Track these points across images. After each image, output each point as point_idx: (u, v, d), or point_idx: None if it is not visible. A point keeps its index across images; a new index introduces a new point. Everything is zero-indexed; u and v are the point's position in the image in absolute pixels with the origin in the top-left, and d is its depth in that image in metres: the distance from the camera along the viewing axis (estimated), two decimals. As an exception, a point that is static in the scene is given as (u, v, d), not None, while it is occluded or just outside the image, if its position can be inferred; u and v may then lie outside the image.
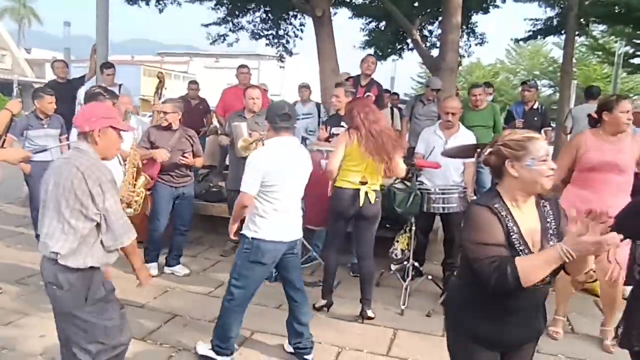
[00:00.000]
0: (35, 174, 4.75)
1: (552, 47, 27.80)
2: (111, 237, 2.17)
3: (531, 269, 1.59)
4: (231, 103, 5.75)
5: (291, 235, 2.99)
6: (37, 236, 4.94)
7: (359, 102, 3.71)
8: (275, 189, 2.86)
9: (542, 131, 5.79)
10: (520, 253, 1.68)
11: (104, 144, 2.22)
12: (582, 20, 10.28)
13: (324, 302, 3.84)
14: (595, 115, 3.39)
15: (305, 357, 3.11)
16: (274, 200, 2.87)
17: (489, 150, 1.78)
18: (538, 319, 1.84)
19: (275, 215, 2.89)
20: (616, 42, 16.26)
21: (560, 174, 3.35)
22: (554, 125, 8.19)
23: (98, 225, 2.16)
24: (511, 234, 1.70)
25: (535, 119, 5.80)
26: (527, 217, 1.75)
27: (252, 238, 2.89)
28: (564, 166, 3.40)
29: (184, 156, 4.30)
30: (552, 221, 1.78)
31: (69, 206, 2.10)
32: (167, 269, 4.53)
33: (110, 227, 2.16)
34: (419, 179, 4.13)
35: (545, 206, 1.80)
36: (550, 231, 1.76)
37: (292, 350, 3.16)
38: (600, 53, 20.33)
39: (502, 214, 1.71)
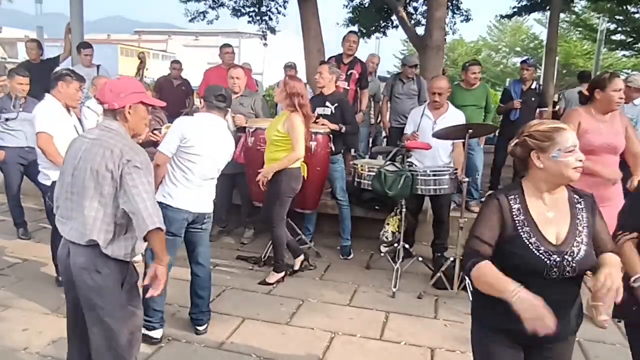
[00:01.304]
0: (9, 160, 4.57)
1: (533, 23, 27.89)
2: (136, 223, 1.96)
3: (483, 280, 1.64)
4: (214, 84, 5.56)
5: (199, 207, 3.03)
6: (16, 224, 4.85)
7: (297, 85, 3.76)
8: (191, 158, 2.95)
9: (538, 111, 5.72)
10: (531, 246, 1.66)
11: (135, 120, 2.09)
12: (566, -4, 10.21)
13: (300, 258, 4.05)
14: (586, 93, 3.35)
15: (197, 327, 3.17)
16: (187, 170, 2.97)
17: (515, 141, 1.75)
18: (568, 314, 1.74)
19: (186, 184, 2.98)
20: (598, 18, 16.32)
21: None
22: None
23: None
24: (519, 227, 1.68)
25: (533, 99, 5.67)
26: (552, 211, 1.71)
27: (159, 202, 2.94)
28: None
29: (154, 133, 4.12)
30: (584, 219, 1.73)
31: (103, 191, 1.97)
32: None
33: (135, 214, 1.94)
34: (408, 160, 4.07)
35: (579, 202, 1.76)
36: (580, 228, 1.71)
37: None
38: (581, 29, 20.42)
39: (513, 206, 1.70)
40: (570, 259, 1.65)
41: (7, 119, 4.47)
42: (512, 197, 1.72)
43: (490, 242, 1.69)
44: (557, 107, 6.72)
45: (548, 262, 1.64)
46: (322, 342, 3.14)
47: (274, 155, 3.76)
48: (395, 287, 3.86)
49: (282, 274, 3.95)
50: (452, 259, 3.90)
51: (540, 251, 1.65)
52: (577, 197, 1.76)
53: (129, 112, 2.06)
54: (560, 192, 1.74)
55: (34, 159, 4.59)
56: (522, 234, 1.68)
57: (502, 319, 1.65)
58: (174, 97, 6.80)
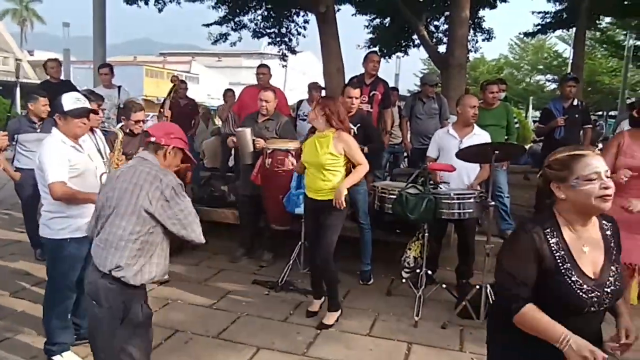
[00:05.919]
0: (25, 182, 4.51)
1: (557, 41, 27.58)
2: (190, 230, 2.18)
3: (530, 326, 1.56)
4: (247, 102, 5.54)
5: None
6: (33, 245, 4.83)
7: (330, 102, 3.53)
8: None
9: (582, 130, 5.47)
10: (573, 285, 1.56)
11: (170, 162, 2.30)
12: (592, 12, 10.01)
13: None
14: (636, 115, 3.23)
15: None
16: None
17: (539, 173, 1.70)
18: (601, 346, 1.64)
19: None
20: (625, 34, 16.00)
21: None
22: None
23: (165, 232, 2.18)
24: (560, 264, 1.58)
25: (577, 115, 5.37)
26: (587, 242, 1.61)
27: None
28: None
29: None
30: (615, 245, 1.65)
31: (135, 211, 2.10)
32: None
33: (188, 225, 2.17)
34: (431, 182, 3.91)
35: (609, 228, 1.67)
36: (614, 255, 1.63)
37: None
38: (606, 46, 20.05)
39: (551, 240, 1.59)
40: (608, 290, 1.59)
41: (24, 141, 4.49)
42: (548, 229, 1.60)
43: (528, 283, 1.59)
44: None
45: (590, 300, 1.57)
46: (340, 375, 2.97)
47: (332, 180, 3.47)
48: (417, 315, 3.66)
49: (339, 312, 3.65)
50: (478, 286, 3.69)
51: (583, 290, 1.56)
52: (605, 222, 1.69)
53: (169, 152, 2.27)
54: (592, 222, 1.65)
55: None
56: (563, 271, 1.57)
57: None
58: (181, 117, 6.62)
